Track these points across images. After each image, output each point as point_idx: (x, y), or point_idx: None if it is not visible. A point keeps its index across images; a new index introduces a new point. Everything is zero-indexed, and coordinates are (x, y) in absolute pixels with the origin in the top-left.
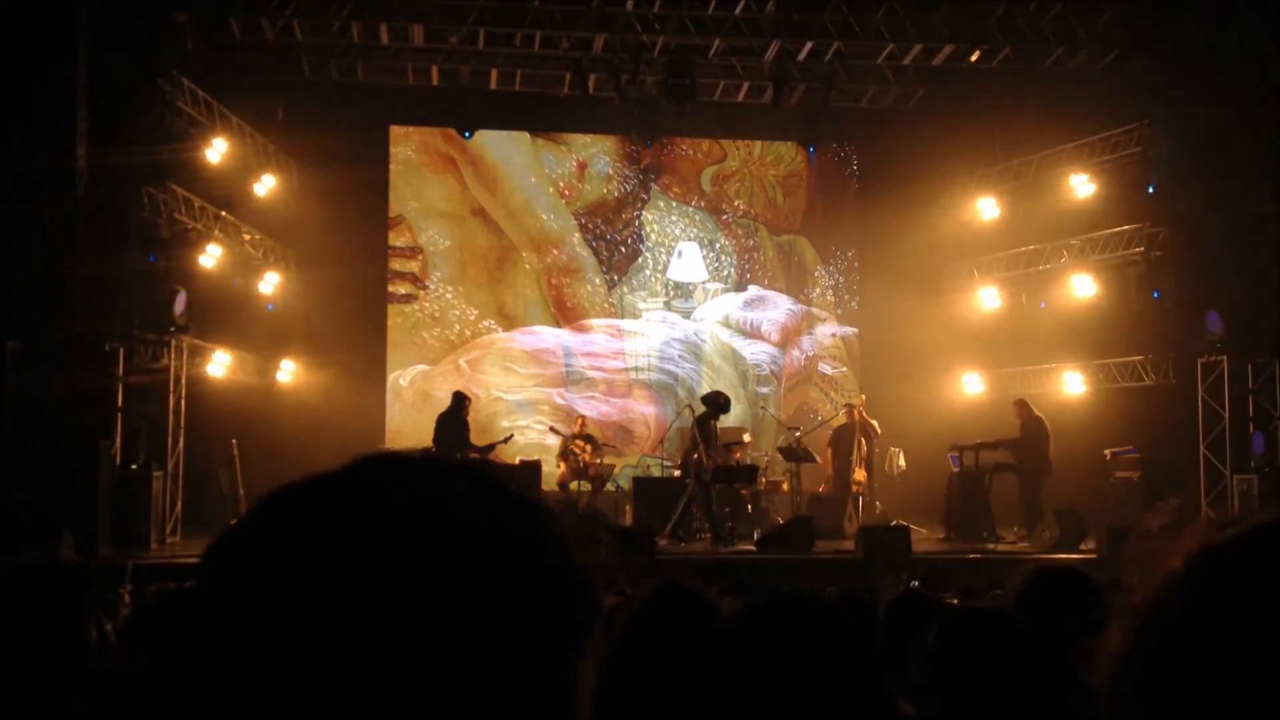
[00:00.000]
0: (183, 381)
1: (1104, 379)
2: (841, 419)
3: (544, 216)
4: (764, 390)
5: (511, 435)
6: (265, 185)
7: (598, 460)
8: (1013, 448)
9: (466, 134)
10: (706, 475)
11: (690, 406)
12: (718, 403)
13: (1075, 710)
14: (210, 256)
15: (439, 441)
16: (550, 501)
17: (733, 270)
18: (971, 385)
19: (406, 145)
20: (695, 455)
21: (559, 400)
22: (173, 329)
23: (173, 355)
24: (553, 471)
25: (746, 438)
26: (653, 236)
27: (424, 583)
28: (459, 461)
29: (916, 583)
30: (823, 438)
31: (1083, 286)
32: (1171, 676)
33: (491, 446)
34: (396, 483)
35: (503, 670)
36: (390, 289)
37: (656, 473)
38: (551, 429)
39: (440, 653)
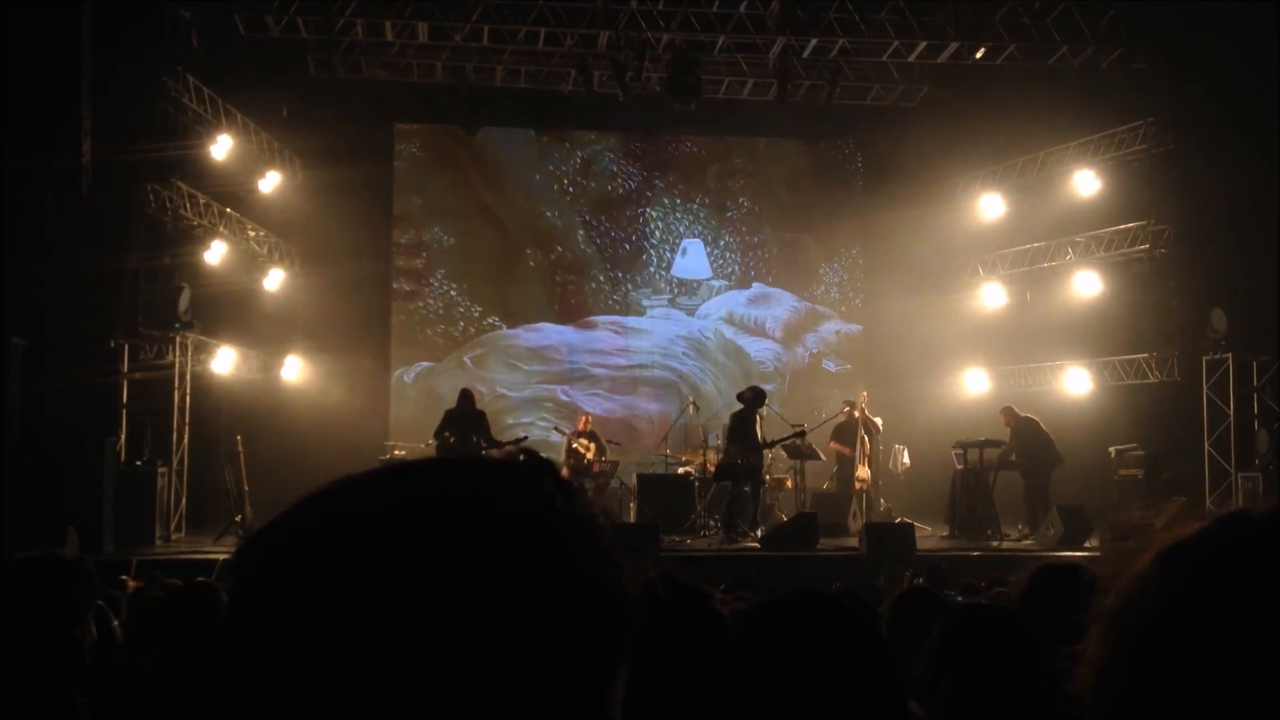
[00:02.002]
0: (187, 378)
1: (1109, 376)
2: (843, 416)
3: (548, 213)
4: (768, 388)
5: (526, 438)
6: (270, 182)
7: (602, 458)
8: (1010, 452)
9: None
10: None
11: (694, 404)
12: (760, 397)
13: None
14: (215, 253)
15: (441, 436)
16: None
17: (737, 267)
18: (976, 382)
19: (411, 142)
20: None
21: (563, 397)
22: (177, 325)
23: (177, 352)
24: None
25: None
26: (657, 233)
27: (454, 597)
28: (502, 467)
29: (921, 580)
30: (825, 434)
31: (1087, 284)
32: (1147, 681)
33: (504, 446)
34: (434, 491)
35: (532, 690)
36: (394, 286)
37: (660, 470)
38: (556, 429)
39: (468, 670)
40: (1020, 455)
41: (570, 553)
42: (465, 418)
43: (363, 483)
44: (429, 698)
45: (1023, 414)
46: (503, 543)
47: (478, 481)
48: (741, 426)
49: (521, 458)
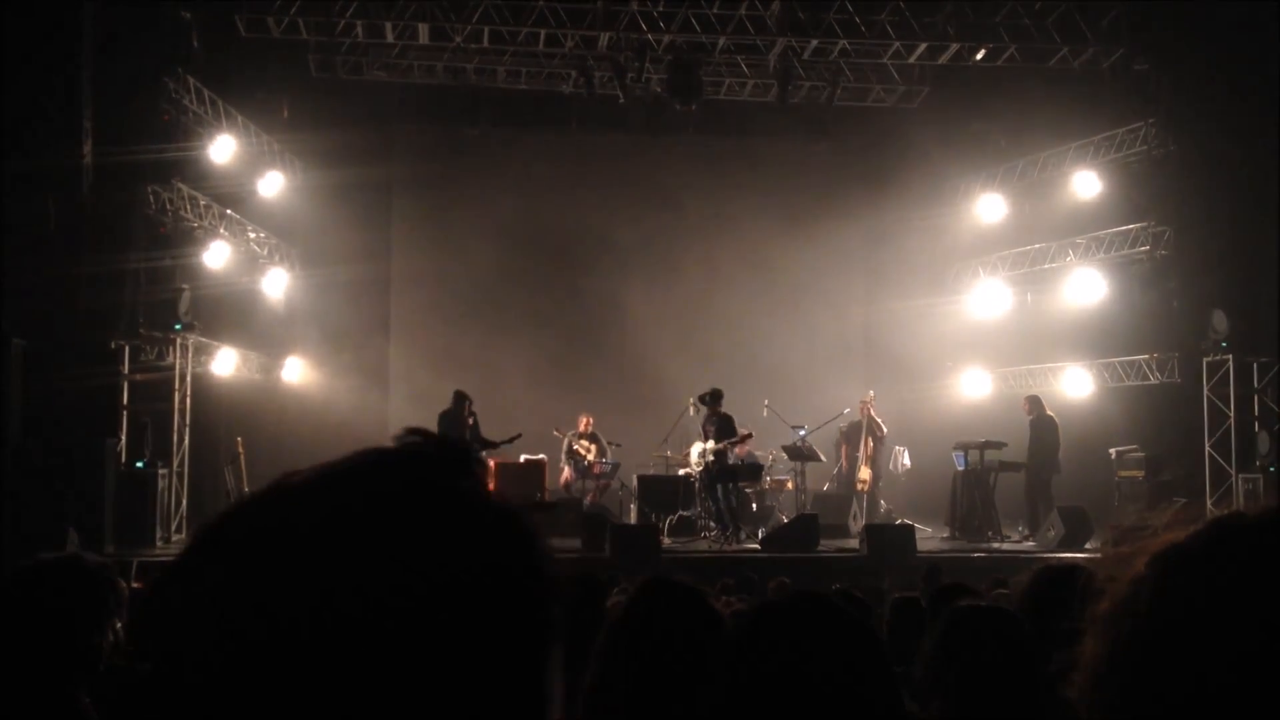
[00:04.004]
0: (188, 379)
1: (1109, 377)
2: (855, 415)
3: (548, 214)
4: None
5: (520, 435)
6: (270, 183)
7: (602, 460)
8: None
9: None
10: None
11: (694, 403)
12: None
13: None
14: (215, 254)
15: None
16: (551, 499)
17: None
18: (977, 383)
19: (411, 143)
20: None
21: None
22: (178, 327)
23: (178, 353)
24: (557, 469)
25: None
26: None
27: (384, 580)
28: (444, 457)
29: (920, 581)
30: (825, 435)
31: (1088, 285)
32: (1142, 683)
33: (497, 444)
34: (379, 479)
35: (463, 672)
36: (394, 286)
37: (660, 471)
38: (555, 430)
39: (399, 652)
40: (1029, 453)
41: (472, 534)
42: (458, 418)
43: (322, 473)
44: (356, 681)
45: (1048, 410)
46: (400, 530)
47: (383, 474)
48: (727, 425)
49: (466, 450)
